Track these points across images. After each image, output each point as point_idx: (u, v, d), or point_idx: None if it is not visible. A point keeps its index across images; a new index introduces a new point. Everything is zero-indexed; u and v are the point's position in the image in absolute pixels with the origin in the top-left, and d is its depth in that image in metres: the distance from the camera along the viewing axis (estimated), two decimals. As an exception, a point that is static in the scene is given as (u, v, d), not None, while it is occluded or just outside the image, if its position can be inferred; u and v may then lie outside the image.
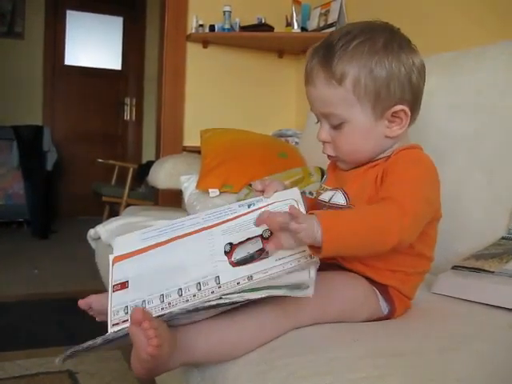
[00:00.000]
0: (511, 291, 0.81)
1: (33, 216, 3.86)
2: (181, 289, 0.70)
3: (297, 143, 2.23)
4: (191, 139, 2.62)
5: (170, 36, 2.61)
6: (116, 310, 0.72)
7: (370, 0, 2.21)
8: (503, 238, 0.97)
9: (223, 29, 2.55)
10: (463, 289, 0.87)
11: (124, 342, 0.70)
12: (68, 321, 1.90)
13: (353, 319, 0.74)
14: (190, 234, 0.78)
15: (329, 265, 0.76)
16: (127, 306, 0.71)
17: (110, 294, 0.74)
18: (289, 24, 2.57)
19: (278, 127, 2.59)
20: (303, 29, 2.54)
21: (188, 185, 1.74)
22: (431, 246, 0.81)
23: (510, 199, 1.01)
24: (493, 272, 0.86)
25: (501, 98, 1.09)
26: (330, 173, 0.89)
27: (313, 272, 0.66)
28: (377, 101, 0.75)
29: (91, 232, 1.67)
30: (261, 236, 0.73)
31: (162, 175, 1.90)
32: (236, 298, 0.64)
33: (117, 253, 0.79)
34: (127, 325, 0.69)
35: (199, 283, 0.70)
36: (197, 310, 0.64)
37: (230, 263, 0.71)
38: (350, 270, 0.77)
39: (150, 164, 2.44)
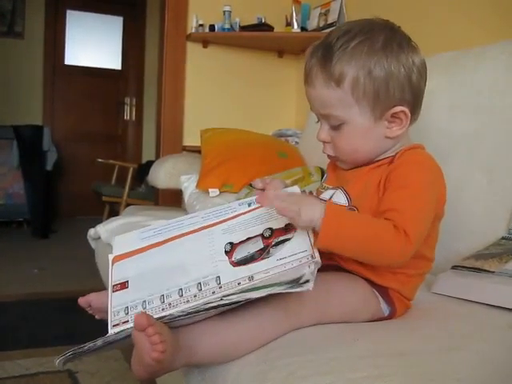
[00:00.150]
0: (511, 291, 0.81)
1: (33, 216, 3.86)
2: (181, 289, 0.70)
3: (297, 143, 2.23)
4: (191, 139, 2.62)
5: (170, 36, 2.61)
6: (116, 310, 0.71)
7: (369, 0, 2.21)
8: (503, 238, 0.97)
9: (223, 28, 2.55)
10: (463, 289, 0.87)
11: (124, 343, 0.70)
12: (68, 320, 1.90)
13: (353, 320, 0.74)
14: (189, 233, 0.77)
15: (329, 266, 0.76)
16: (127, 307, 0.71)
17: (109, 295, 0.74)
18: (289, 24, 2.57)
19: (278, 127, 2.59)
20: (303, 28, 2.54)
21: (188, 184, 1.74)
22: (432, 247, 0.81)
23: (510, 199, 1.01)
24: (493, 272, 0.86)
25: (501, 98, 1.09)
26: (331, 172, 0.88)
27: (312, 266, 0.66)
28: (376, 102, 0.74)
29: (91, 232, 1.67)
30: (261, 235, 0.73)
31: (162, 175, 1.90)
32: (236, 298, 0.64)
33: (116, 252, 0.79)
34: (127, 326, 0.69)
35: (200, 283, 0.70)
36: (197, 311, 0.64)
37: (231, 263, 0.71)
38: (350, 272, 0.77)
39: (149, 164, 2.44)
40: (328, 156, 0.84)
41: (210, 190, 1.64)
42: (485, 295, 0.83)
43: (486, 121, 1.10)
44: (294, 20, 2.50)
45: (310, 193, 0.90)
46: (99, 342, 0.66)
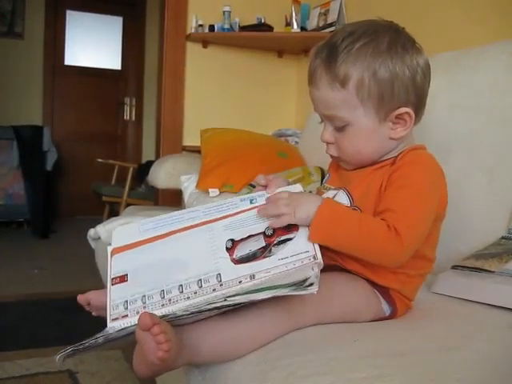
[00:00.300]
0: (511, 291, 0.81)
1: (33, 216, 3.86)
2: (181, 285, 0.69)
3: (297, 143, 2.23)
4: (191, 139, 2.62)
5: (170, 36, 2.61)
6: (115, 304, 0.71)
7: (369, 0, 2.21)
8: (503, 238, 0.97)
9: (223, 29, 2.55)
10: (463, 288, 0.87)
11: (125, 341, 0.70)
12: (68, 320, 1.90)
13: (354, 320, 0.74)
14: (190, 227, 0.76)
15: (330, 266, 0.76)
16: (127, 301, 0.70)
17: (108, 287, 0.73)
18: (288, 24, 2.57)
19: (278, 127, 2.59)
20: (303, 28, 2.54)
21: (188, 184, 1.74)
22: (433, 247, 0.81)
23: (510, 199, 1.01)
24: (493, 272, 0.86)
25: (501, 98, 1.09)
26: (333, 172, 0.88)
27: (316, 269, 0.65)
28: (380, 103, 0.74)
29: (91, 232, 1.67)
30: (263, 234, 0.73)
31: (162, 175, 1.90)
32: (240, 299, 0.63)
33: (116, 244, 0.78)
34: (127, 320, 0.68)
35: (200, 280, 0.69)
36: (200, 311, 0.64)
37: (232, 260, 0.71)
38: (351, 272, 0.77)
39: (149, 164, 2.44)
40: (331, 156, 0.84)
41: (210, 190, 1.64)
42: (485, 295, 0.83)
43: (486, 121, 1.10)
44: (294, 20, 2.50)
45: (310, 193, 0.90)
46: (100, 339, 0.65)
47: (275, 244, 0.72)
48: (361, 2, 2.29)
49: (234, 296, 0.64)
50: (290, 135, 2.42)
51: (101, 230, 1.60)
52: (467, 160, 1.10)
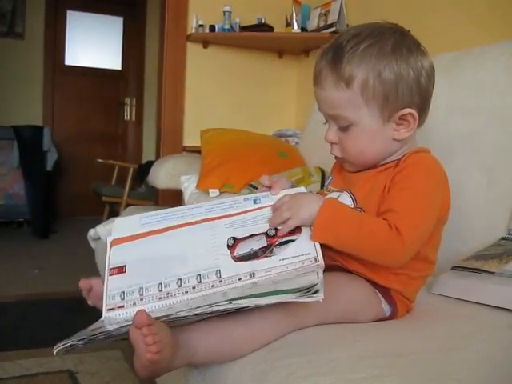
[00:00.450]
0: (511, 292, 0.81)
1: (33, 216, 3.86)
2: (180, 279, 0.69)
3: (297, 143, 2.23)
4: (191, 139, 2.62)
5: (170, 36, 2.61)
6: (112, 294, 0.70)
7: (370, 0, 2.21)
8: (503, 239, 0.97)
9: (223, 29, 2.55)
10: (463, 289, 0.87)
11: (126, 336, 0.69)
12: (68, 321, 1.90)
13: (356, 320, 0.74)
14: (192, 223, 0.76)
15: (331, 266, 0.76)
16: (124, 292, 0.70)
17: (106, 277, 0.72)
18: (289, 24, 2.57)
19: (278, 127, 2.59)
20: (303, 29, 2.54)
21: (188, 185, 1.74)
22: (435, 249, 0.81)
23: (510, 199, 1.01)
24: (493, 273, 0.86)
25: (501, 98, 1.09)
26: (336, 174, 0.88)
27: (321, 274, 0.65)
28: (385, 104, 0.74)
29: (91, 232, 1.67)
30: (266, 234, 0.73)
31: (162, 175, 1.90)
32: (245, 303, 0.62)
33: (115, 235, 0.77)
34: (123, 311, 0.68)
35: (199, 275, 0.69)
36: (203, 313, 0.63)
37: (233, 258, 0.71)
38: (352, 272, 0.77)
39: (150, 164, 2.44)
40: (335, 157, 0.84)
41: (210, 190, 1.64)
42: (485, 296, 0.83)
43: (486, 121, 1.10)
44: (294, 20, 2.50)
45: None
46: (101, 335, 0.64)
47: (277, 245, 0.72)
48: (361, 2, 2.29)
49: (238, 299, 0.63)
50: (291, 135, 2.42)
51: (101, 230, 1.60)
52: (467, 160, 1.10)
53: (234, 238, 0.73)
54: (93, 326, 0.66)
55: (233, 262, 0.71)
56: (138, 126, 5.03)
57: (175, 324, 0.65)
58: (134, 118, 5.06)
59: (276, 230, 0.73)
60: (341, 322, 0.73)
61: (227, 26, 2.54)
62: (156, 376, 0.66)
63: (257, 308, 0.66)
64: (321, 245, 0.72)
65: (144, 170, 3.46)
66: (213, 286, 0.68)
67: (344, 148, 0.80)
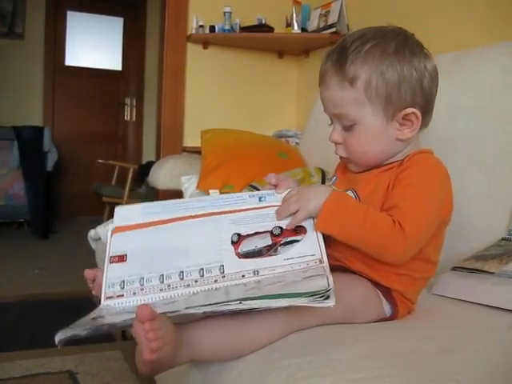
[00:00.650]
0: (511, 292, 0.81)
1: (33, 216, 3.86)
2: (182, 272, 0.68)
3: (297, 144, 2.23)
4: (191, 139, 2.62)
5: (171, 37, 2.61)
6: (111, 282, 0.69)
7: (370, 1, 2.21)
8: (503, 239, 0.97)
9: (223, 29, 2.55)
10: (463, 290, 0.87)
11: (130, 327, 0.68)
12: (68, 321, 1.90)
13: (356, 320, 0.74)
14: (196, 216, 0.75)
15: (334, 267, 0.76)
16: (124, 281, 0.69)
17: (106, 265, 0.71)
18: (289, 25, 2.57)
19: (279, 128, 2.59)
20: (303, 29, 2.54)
21: (188, 185, 1.74)
22: (437, 251, 0.81)
23: (510, 199, 1.01)
24: (493, 273, 0.86)
25: (501, 98, 1.09)
26: (340, 174, 0.89)
27: (331, 280, 0.65)
28: (388, 103, 0.75)
29: (91, 232, 1.67)
30: (271, 232, 0.73)
31: (163, 176, 1.90)
32: (257, 304, 0.61)
33: (117, 223, 0.76)
34: (122, 300, 0.67)
35: (202, 269, 0.69)
36: (213, 311, 0.62)
37: (236, 254, 0.71)
38: (355, 272, 0.78)
39: (150, 164, 2.44)
40: (340, 158, 0.85)
41: (210, 190, 1.62)
42: (485, 296, 0.83)
43: (486, 121, 1.10)
44: (294, 21, 2.50)
45: None
46: (105, 326, 0.63)
47: (282, 244, 0.72)
48: (361, 3, 2.29)
49: (249, 300, 0.62)
50: (291, 136, 2.42)
51: (101, 230, 1.60)
52: (467, 160, 1.10)
53: (239, 235, 0.73)
54: (92, 315, 0.65)
55: (236, 258, 0.70)
56: (138, 127, 5.04)
57: (179, 320, 0.64)
58: (134, 119, 5.06)
59: (281, 228, 0.73)
60: (341, 322, 0.73)
61: (227, 27, 2.54)
62: (157, 372, 0.66)
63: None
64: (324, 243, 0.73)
65: (144, 170, 3.46)
66: (215, 280, 0.68)
67: (348, 148, 0.80)
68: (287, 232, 0.73)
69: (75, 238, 2.83)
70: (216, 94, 2.74)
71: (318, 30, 2.46)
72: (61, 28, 4.76)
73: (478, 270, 0.89)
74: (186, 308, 0.62)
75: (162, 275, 0.68)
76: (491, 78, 1.13)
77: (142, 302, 0.66)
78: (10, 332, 1.86)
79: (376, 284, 0.77)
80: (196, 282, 0.68)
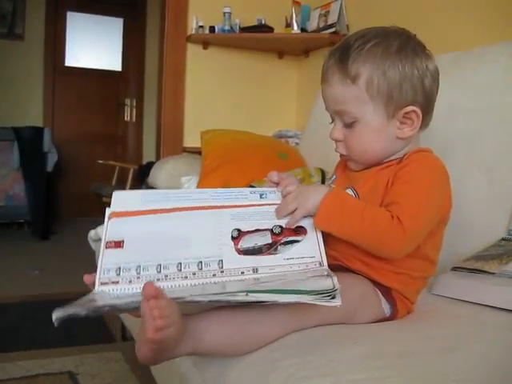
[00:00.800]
0: (511, 292, 0.81)
1: (33, 217, 3.86)
2: (180, 263, 0.68)
3: (297, 144, 2.23)
4: (191, 140, 2.62)
5: (170, 37, 2.62)
6: (107, 268, 0.67)
7: (369, 1, 2.21)
8: (503, 239, 0.97)
9: (223, 30, 2.56)
10: (463, 290, 0.87)
11: (132, 311, 0.66)
12: (69, 322, 1.90)
13: (355, 320, 0.74)
14: (196, 208, 0.74)
15: (333, 266, 0.76)
16: (120, 268, 0.67)
17: (102, 250, 0.70)
18: (288, 25, 2.57)
19: (279, 128, 2.59)
20: (303, 30, 2.55)
21: (188, 186, 1.74)
22: (436, 250, 0.82)
23: (510, 199, 1.01)
24: (493, 273, 0.86)
25: (501, 98, 1.09)
26: (340, 173, 0.89)
27: (336, 280, 0.64)
28: (389, 101, 0.76)
29: (92, 233, 1.67)
30: (271, 231, 0.73)
31: (163, 176, 1.90)
32: (265, 298, 0.61)
33: (114, 208, 0.74)
34: (118, 287, 0.66)
35: (201, 262, 0.68)
36: (219, 301, 0.61)
37: (236, 250, 0.70)
38: (354, 271, 0.78)
39: (150, 165, 2.44)
40: (340, 156, 0.85)
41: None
42: (485, 296, 0.83)
43: (486, 121, 1.10)
44: (294, 21, 2.51)
45: None
46: (107, 307, 0.62)
47: (282, 243, 0.72)
48: (361, 3, 2.29)
49: (256, 293, 0.61)
50: (291, 136, 2.43)
51: (101, 231, 1.60)
52: (467, 160, 1.10)
53: (239, 230, 0.72)
54: (86, 298, 0.63)
55: (236, 254, 0.70)
56: (138, 127, 5.04)
57: (181, 310, 0.63)
58: (134, 119, 5.06)
59: (281, 227, 0.73)
60: (341, 322, 0.73)
61: (227, 27, 2.54)
62: (157, 361, 0.64)
63: (269, 306, 0.65)
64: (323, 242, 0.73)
65: (144, 170, 3.45)
66: (214, 275, 0.67)
67: (349, 145, 0.81)
68: (287, 231, 0.73)
69: (75, 239, 2.83)
70: (216, 94, 2.74)
71: (318, 30, 2.46)
72: (61, 28, 4.76)
73: (478, 270, 0.89)
74: (191, 295, 0.61)
75: (160, 265, 0.67)
76: (491, 78, 1.13)
77: (138, 291, 0.64)
78: (10, 332, 1.86)
79: (375, 283, 0.77)
80: (194, 274, 0.67)
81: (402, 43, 0.76)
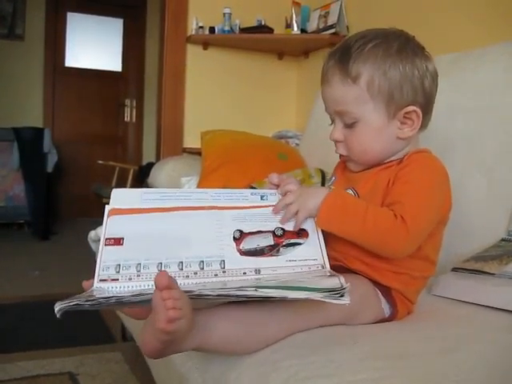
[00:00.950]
0: (511, 293, 0.81)
1: (33, 217, 3.86)
2: (182, 262, 0.67)
3: (297, 145, 2.23)
4: (191, 140, 2.62)
5: (170, 38, 2.62)
6: (106, 265, 0.67)
7: (369, 2, 2.22)
8: (503, 240, 0.97)
9: (223, 30, 2.56)
10: (463, 291, 0.87)
11: (136, 306, 0.66)
12: (69, 322, 1.90)
13: (356, 321, 0.74)
14: (196, 208, 0.74)
15: (334, 267, 0.76)
16: (119, 265, 0.67)
17: (101, 247, 0.69)
18: (288, 26, 2.57)
19: (278, 129, 2.59)
20: (303, 30, 2.55)
21: (189, 186, 1.74)
22: (436, 250, 0.82)
23: (510, 199, 1.01)
24: (493, 274, 0.86)
25: (501, 98, 1.09)
26: (339, 174, 0.89)
27: (343, 279, 0.64)
28: (390, 101, 0.76)
29: (92, 234, 1.67)
30: (273, 232, 0.73)
31: (163, 177, 1.90)
32: (273, 293, 0.60)
33: (114, 205, 0.74)
34: (117, 284, 0.65)
35: (202, 261, 0.68)
36: (228, 295, 0.61)
37: (238, 251, 0.70)
38: (355, 272, 0.78)
39: (150, 165, 2.44)
40: (340, 156, 0.85)
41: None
42: (485, 297, 0.83)
43: (486, 121, 1.10)
44: (294, 22, 2.51)
45: None
46: (113, 299, 0.60)
47: (284, 245, 0.72)
48: (361, 3, 2.29)
49: (265, 288, 0.61)
50: (291, 137, 2.42)
51: (101, 231, 1.60)
52: (467, 160, 1.10)
53: (241, 231, 0.72)
54: (84, 294, 0.63)
55: (238, 254, 0.70)
56: (138, 128, 5.04)
57: (195, 305, 0.61)
58: (134, 120, 5.06)
59: (283, 230, 0.73)
60: (341, 323, 0.73)
61: (227, 28, 2.54)
62: (163, 354, 0.62)
63: (274, 305, 0.65)
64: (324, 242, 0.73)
65: (144, 171, 3.46)
66: (215, 275, 0.67)
67: (349, 146, 0.81)
68: (289, 234, 0.73)
69: (75, 239, 2.83)
70: (216, 94, 2.74)
71: (318, 31, 2.46)
72: (61, 29, 4.76)
73: (477, 270, 0.89)
74: (200, 290, 0.60)
75: (161, 263, 0.67)
76: (491, 78, 1.13)
77: (139, 288, 0.64)
78: (10, 333, 1.86)
79: (376, 284, 0.77)
80: (195, 273, 0.67)
81: (401, 44, 0.77)
